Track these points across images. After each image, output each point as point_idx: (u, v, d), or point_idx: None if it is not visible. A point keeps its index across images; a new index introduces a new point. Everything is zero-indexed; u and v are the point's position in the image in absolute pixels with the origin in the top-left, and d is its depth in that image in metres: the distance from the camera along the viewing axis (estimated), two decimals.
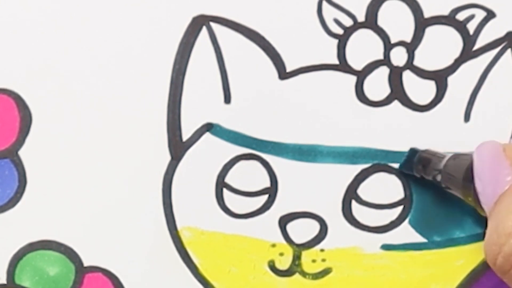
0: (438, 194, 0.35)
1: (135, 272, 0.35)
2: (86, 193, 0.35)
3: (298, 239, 0.35)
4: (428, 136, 0.35)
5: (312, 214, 0.35)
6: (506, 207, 0.25)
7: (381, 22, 0.35)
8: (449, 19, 0.35)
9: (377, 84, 0.35)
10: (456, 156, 0.33)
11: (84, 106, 0.34)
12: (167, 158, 0.35)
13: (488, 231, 0.25)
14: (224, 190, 0.35)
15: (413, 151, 0.35)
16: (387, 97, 0.35)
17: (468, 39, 0.35)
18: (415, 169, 0.34)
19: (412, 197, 0.35)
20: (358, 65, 0.35)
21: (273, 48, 0.35)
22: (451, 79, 0.35)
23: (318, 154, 0.35)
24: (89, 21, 0.34)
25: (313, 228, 0.35)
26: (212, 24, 0.34)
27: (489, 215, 0.26)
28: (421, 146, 0.35)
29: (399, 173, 0.35)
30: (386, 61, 0.35)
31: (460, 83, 0.35)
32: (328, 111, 0.35)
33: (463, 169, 0.31)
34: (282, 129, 0.35)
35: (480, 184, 0.27)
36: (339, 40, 0.35)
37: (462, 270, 0.35)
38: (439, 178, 0.33)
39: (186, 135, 0.35)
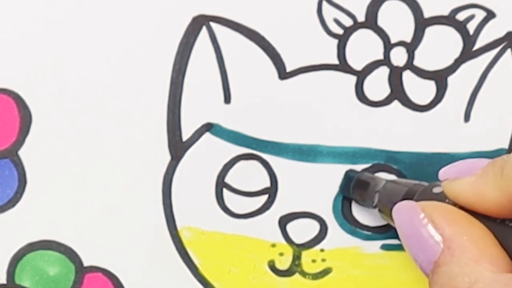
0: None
1: (135, 272, 0.35)
2: (86, 193, 0.35)
3: (298, 239, 0.35)
4: (428, 136, 0.35)
5: (312, 214, 0.35)
6: (445, 279, 0.24)
7: (381, 22, 0.35)
8: (449, 19, 0.35)
9: (377, 84, 0.35)
10: (390, 184, 0.32)
11: (84, 106, 0.34)
12: (167, 158, 0.35)
13: None
14: (224, 190, 0.35)
15: (351, 173, 0.35)
16: (387, 97, 0.35)
17: (468, 39, 0.35)
18: (352, 192, 0.34)
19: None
20: (358, 65, 0.35)
21: (273, 48, 0.35)
22: (451, 79, 0.35)
23: (318, 154, 0.35)
24: (89, 21, 0.34)
25: (313, 228, 0.35)
26: (212, 24, 0.34)
27: (429, 283, 0.25)
28: (421, 146, 0.35)
29: (399, 173, 0.35)
30: (386, 61, 0.35)
31: (460, 83, 0.35)
32: (328, 111, 0.35)
33: (401, 194, 0.30)
34: (282, 129, 0.35)
35: (408, 250, 0.26)
36: (339, 40, 0.35)
37: None
38: (375, 203, 0.33)
39: (186, 135, 0.35)
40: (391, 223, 0.32)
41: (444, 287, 0.24)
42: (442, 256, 0.24)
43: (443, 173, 0.28)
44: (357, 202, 0.35)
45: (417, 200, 0.28)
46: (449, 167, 0.28)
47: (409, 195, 0.30)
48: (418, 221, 0.25)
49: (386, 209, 0.32)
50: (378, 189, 0.33)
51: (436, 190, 0.28)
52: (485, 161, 0.26)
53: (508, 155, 0.25)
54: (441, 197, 0.27)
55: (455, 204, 0.26)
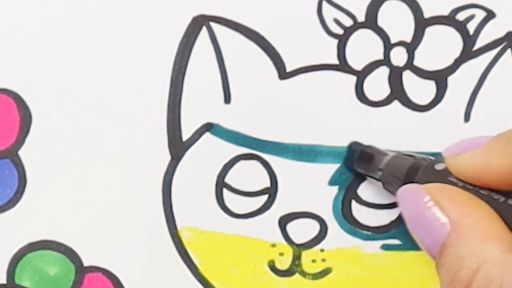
0: None
1: (135, 272, 0.35)
2: (86, 193, 0.35)
3: (298, 239, 0.35)
4: (428, 136, 0.35)
5: (312, 214, 0.35)
6: (453, 260, 0.24)
7: (381, 22, 0.35)
8: (449, 19, 0.35)
9: (377, 84, 0.35)
10: (398, 156, 0.32)
11: (84, 106, 0.34)
12: (167, 158, 0.35)
13: (440, 283, 0.24)
14: (224, 190, 0.35)
15: (355, 146, 0.34)
16: (387, 97, 0.35)
17: (468, 39, 0.35)
18: (356, 164, 0.34)
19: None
20: (358, 65, 0.35)
21: (273, 48, 0.35)
22: (451, 79, 0.35)
23: (318, 154, 0.35)
24: (89, 21, 0.34)
25: (313, 228, 0.35)
26: (212, 24, 0.34)
27: (437, 265, 0.25)
28: (421, 146, 0.35)
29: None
30: (386, 61, 0.35)
31: (460, 83, 0.35)
32: (328, 111, 0.35)
33: (404, 170, 0.30)
34: (282, 129, 0.35)
35: (415, 235, 0.26)
36: (339, 40, 0.35)
37: None
38: (379, 175, 0.33)
39: (186, 135, 0.35)
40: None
41: (452, 269, 0.24)
42: (449, 238, 0.24)
43: (446, 150, 0.28)
44: (361, 174, 0.35)
45: (420, 178, 0.28)
46: (453, 145, 0.28)
47: (412, 171, 0.30)
48: (423, 204, 0.25)
49: (390, 184, 0.32)
50: (381, 165, 0.33)
51: (438, 167, 0.28)
52: (489, 137, 0.26)
53: None
54: (444, 174, 0.27)
55: (458, 181, 0.26)
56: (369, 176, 0.34)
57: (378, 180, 0.33)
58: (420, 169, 0.29)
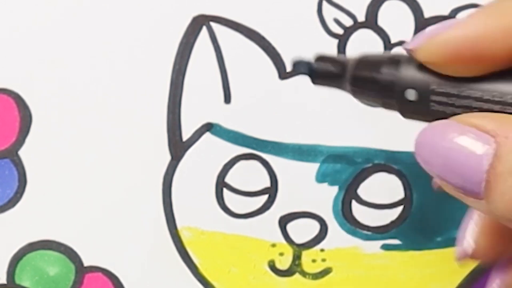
0: (438, 194, 0.35)
1: (135, 272, 0.35)
2: (86, 193, 0.35)
3: (298, 239, 0.35)
4: None
5: (312, 214, 0.35)
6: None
7: (381, 22, 0.35)
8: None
9: None
10: (367, 55, 0.26)
11: (84, 106, 0.34)
12: (167, 158, 0.35)
13: (502, 196, 0.20)
14: (224, 190, 0.35)
15: (299, 63, 0.28)
16: None
17: None
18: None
19: (412, 197, 0.35)
20: None
21: (273, 48, 0.35)
22: None
23: (318, 154, 0.35)
24: (89, 21, 0.34)
25: (313, 228, 0.35)
26: (212, 24, 0.34)
27: (489, 190, 0.20)
28: None
29: (399, 173, 0.35)
30: None
31: None
32: (328, 111, 0.35)
33: (378, 70, 0.25)
34: (282, 129, 0.35)
35: (451, 180, 0.22)
36: (339, 40, 0.35)
37: (462, 270, 0.35)
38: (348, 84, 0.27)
39: (186, 135, 0.35)
40: (368, 104, 0.27)
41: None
42: (499, 150, 0.20)
43: (411, 42, 0.22)
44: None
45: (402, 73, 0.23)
46: (418, 34, 0.22)
47: (392, 63, 0.24)
48: (458, 131, 0.21)
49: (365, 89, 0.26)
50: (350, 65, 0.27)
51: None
52: (456, 18, 0.22)
53: None
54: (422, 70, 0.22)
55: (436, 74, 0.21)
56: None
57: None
58: (401, 61, 0.24)
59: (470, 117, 0.21)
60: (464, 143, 0.21)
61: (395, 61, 0.24)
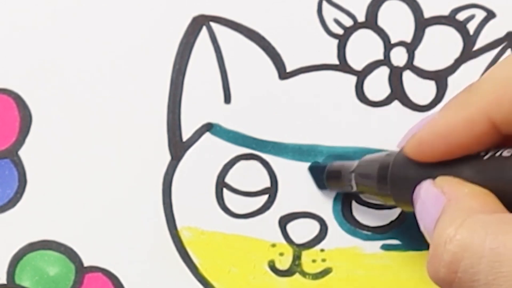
0: None
1: (135, 272, 0.35)
2: (86, 193, 0.35)
3: (298, 239, 0.35)
4: None
5: (312, 214, 0.35)
6: (440, 223, 0.24)
7: (381, 22, 0.35)
8: (449, 19, 0.35)
9: (377, 84, 0.35)
10: (364, 160, 0.32)
11: (84, 106, 0.34)
12: (167, 158, 0.35)
13: (428, 254, 0.25)
14: (224, 190, 0.35)
15: (317, 167, 0.35)
16: (387, 97, 0.35)
17: (468, 39, 0.35)
18: (328, 185, 0.34)
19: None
20: (358, 65, 0.35)
21: (273, 48, 0.35)
22: (451, 79, 0.35)
23: (318, 154, 0.35)
24: (89, 21, 0.34)
25: (313, 228, 0.35)
26: (212, 24, 0.34)
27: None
28: None
29: None
30: (386, 61, 0.35)
31: (460, 83, 0.35)
32: (328, 111, 0.35)
33: (375, 169, 0.30)
34: (282, 129, 0.35)
35: (420, 221, 0.26)
36: (339, 40, 0.35)
37: None
38: (353, 187, 0.32)
39: (186, 135, 0.35)
40: (371, 199, 0.33)
41: (438, 231, 0.23)
42: (443, 209, 0.24)
43: (400, 142, 0.28)
44: (334, 189, 0.35)
45: (392, 171, 0.29)
46: (405, 134, 0.28)
47: (382, 169, 0.29)
48: (433, 192, 0.25)
49: (366, 188, 0.32)
50: (351, 173, 0.32)
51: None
52: (434, 113, 0.26)
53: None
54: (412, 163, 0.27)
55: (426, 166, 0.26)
56: (342, 191, 0.34)
57: (353, 192, 0.33)
58: (390, 164, 0.29)
59: (440, 180, 0.26)
60: (431, 200, 0.25)
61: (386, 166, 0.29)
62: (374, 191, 0.30)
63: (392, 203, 0.30)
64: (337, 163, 0.34)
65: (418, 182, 0.27)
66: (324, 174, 0.34)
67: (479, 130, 0.24)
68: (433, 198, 0.25)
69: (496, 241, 0.21)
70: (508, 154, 0.24)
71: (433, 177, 0.26)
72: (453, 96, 0.26)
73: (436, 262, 0.23)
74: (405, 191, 0.27)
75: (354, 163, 0.32)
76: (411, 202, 0.27)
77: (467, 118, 0.25)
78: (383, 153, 0.31)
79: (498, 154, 0.24)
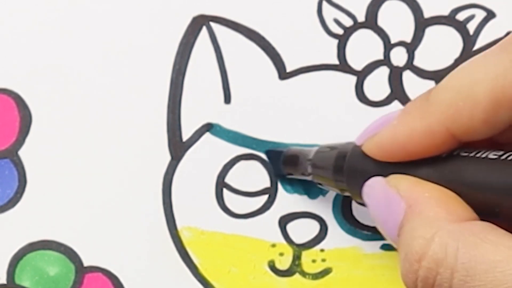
0: None
1: (135, 272, 0.35)
2: (86, 193, 0.35)
3: (298, 239, 0.35)
4: None
5: (312, 214, 0.35)
6: (408, 234, 0.24)
7: (381, 22, 0.35)
8: (449, 19, 0.35)
9: (377, 84, 0.35)
10: (322, 149, 0.32)
11: (84, 106, 0.34)
12: (167, 158, 0.35)
13: (399, 263, 0.24)
14: (224, 190, 0.35)
15: (275, 152, 0.35)
16: (387, 97, 0.35)
17: (468, 39, 0.35)
18: (284, 169, 0.34)
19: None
20: (358, 65, 0.35)
21: (273, 48, 0.35)
22: None
23: None
24: (89, 21, 0.34)
25: (313, 228, 0.35)
26: (212, 24, 0.34)
27: (396, 246, 0.25)
28: None
29: None
30: (386, 61, 0.35)
31: None
32: (328, 111, 0.35)
33: (332, 160, 0.30)
34: (282, 129, 0.35)
35: (378, 219, 0.26)
36: (339, 40, 0.35)
37: None
38: (309, 174, 0.32)
39: (186, 135, 0.35)
40: (328, 189, 0.33)
41: (408, 243, 0.24)
42: (405, 216, 0.24)
43: (359, 138, 0.28)
44: (289, 175, 0.34)
45: (348, 163, 0.29)
46: (364, 130, 0.28)
47: (339, 160, 0.29)
48: (385, 190, 0.26)
49: (323, 178, 0.31)
50: (308, 161, 0.32)
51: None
52: (396, 111, 0.26)
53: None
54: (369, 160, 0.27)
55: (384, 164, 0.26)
56: (299, 177, 0.34)
57: (308, 178, 0.33)
58: (347, 157, 0.29)
59: (398, 179, 0.26)
60: (387, 200, 0.25)
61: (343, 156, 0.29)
62: (331, 182, 0.30)
63: (348, 194, 0.30)
64: (295, 149, 0.34)
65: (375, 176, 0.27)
66: (281, 159, 0.34)
67: (438, 139, 0.25)
68: (389, 200, 0.25)
69: (467, 255, 0.22)
70: (465, 154, 0.24)
71: (388, 174, 0.26)
72: (412, 100, 0.26)
73: (412, 277, 0.23)
74: (361, 184, 0.27)
75: (312, 150, 0.32)
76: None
77: (426, 128, 0.25)
78: (341, 143, 0.30)
79: (455, 153, 0.24)
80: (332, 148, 0.30)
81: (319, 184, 0.32)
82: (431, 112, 0.25)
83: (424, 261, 0.23)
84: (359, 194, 0.28)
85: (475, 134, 0.24)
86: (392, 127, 0.26)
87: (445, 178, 0.24)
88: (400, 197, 0.25)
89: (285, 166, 0.34)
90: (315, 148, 0.32)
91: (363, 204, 0.27)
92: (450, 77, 0.25)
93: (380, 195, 0.26)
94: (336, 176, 0.30)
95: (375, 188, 0.26)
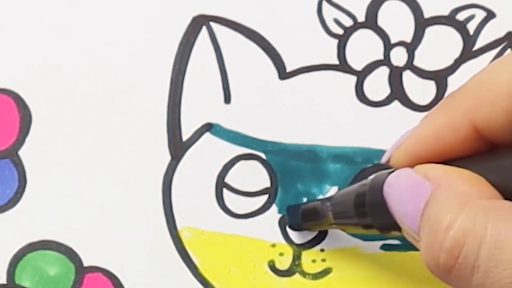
0: None
1: (135, 272, 0.35)
2: (86, 193, 0.35)
3: (298, 239, 0.35)
4: None
5: None
6: (435, 207, 0.23)
7: (381, 22, 0.35)
8: (449, 19, 0.35)
9: (377, 84, 0.35)
10: (338, 193, 0.32)
11: (84, 106, 0.34)
12: (167, 158, 0.35)
13: (423, 240, 0.24)
14: (224, 190, 0.35)
15: (293, 208, 0.34)
16: (387, 97, 0.35)
17: (468, 39, 0.35)
18: (303, 224, 0.34)
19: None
20: (358, 65, 0.35)
21: (273, 48, 0.35)
22: (451, 79, 0.35)
23: (318, 154, 0.35)
24: (89, 21, 0.34)
25: None
26: (212, 24, 0.34)
27: (419, 229, 0.24)
28: None
29: None
30: (386, 61, 0.35)
31: (460, 83, 0.35)
32: (328, 111, 0.35)
33: (352, 198, 0.29)
34: (282, 129, 0.35)
35: (399, 211, 0.25)
36: (339, 40, 0.35)
37: None
38: (331, 224, 0.32)
39: (186, 135, 0.35)
40: (351, 232, 0.33)
41: (435, 216, 0.23)
42: (432, 195, 0.24)
43: (384, 156, 0.28)
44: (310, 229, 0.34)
45: (369, 197, 0.28)
46: (388, 150, 0.28)
47: (359, 198, 0.29)
48: (412, 176, 0.25)
49: (344, 220, 0.31)
50: (329, 208, 0.32)
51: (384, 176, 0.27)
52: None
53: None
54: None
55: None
56: (318, 229, 0.34)
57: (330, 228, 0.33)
58: (366, 191, 0.28)
59: (421, 166, 0.25)
60: (412, 187, 0.25)
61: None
62: (352, 221, 0.30)
63: (373, 232, 0.29)
64: (312, 203, 0.34)
65: None
66: (299, 214, 0.34)
67: (462, 135, 0.24)
68: (415, 184, 0.24)
69: (497, 228, 0.21)
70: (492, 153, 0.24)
71: None
72: (435, 107, 0.26)
73: (435, 248, 0.23)
74: (385, 214, 0.26)
75: (326, 201, 0.32)
76: (394, 225, 0.26)
77: (450, 123, 0.25)
78: (356, 184, 0.30)
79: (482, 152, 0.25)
80: (349, 190, 0.30)
81: (342, 230, 0.33)
82: (455, 106, 0.25)
83: (452, 231, 0.22)
84: (384, 225, 0.27)
85: (497, 128, 0.24)
86: (416, 130, 0.26)
87: (473, 169, 0.24)
88: (427, 180, 0.24)
89: (305, 221, 0.34)
90: (331, 196, 0.32)
91: (389, 236, 0.27)
92: (475, 76, 0.25)
93: (405, 182, 0.25)
94: (358, 210, 0.29)
95: (401, 176, 0.26)
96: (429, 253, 0.23)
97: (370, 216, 0.28)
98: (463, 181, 0.23)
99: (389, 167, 0.28)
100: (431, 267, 0.23)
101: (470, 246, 0.22)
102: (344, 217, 0.31)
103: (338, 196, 0.31)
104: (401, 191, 0.25)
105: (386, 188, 0.26)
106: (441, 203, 0.23)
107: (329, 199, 0.32)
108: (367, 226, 0.29)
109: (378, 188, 0.27)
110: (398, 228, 0.26)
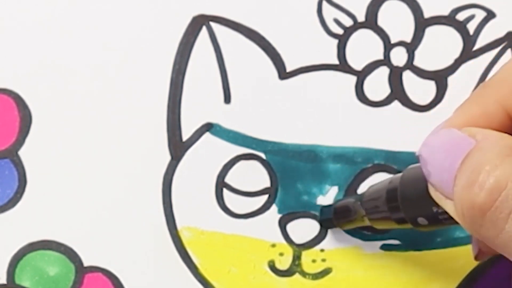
0: None
1: (135, 272, 0.35)
2: (86, 193, 0.35)
3: (298, 239, 0.35)
4: None
5: (312, 214, 0.35)
6: (481, 154, 0.22)
7: (381, 22, 0.35)
8: (449, 19, 0.35)
9: (377, 84, 0.35)
10: (369, 190, 0.32)
11: (84, 106, 0.34)
12: (167, 158, 0.35)
13: (459, 184, 0.23)
14: (224, 190, 0.35)
15: (325, 209, 0.35)
16: (387, 97, 0.35)
17: (468, 39, 0.35)
18: (337, 223, 0.34)
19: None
20: (358, 65, 0.35)
21: (273, 48, 0.35)
22: (451, 79, 0.35)
23: (318, 154, 0.35)
24: (89, 21, 0.34)
25: (313, 228, 0.35)
26: (212, 24, 0.34)
27: (455, 177, 0.23)
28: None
29: (399, 173, 0.35)
30: (386, 61, 0.35)
31: (460, 83, 0.35)
32: (328, 111, 0.35)
33: (384, 191, 0.30)
34: (282, 129, 0.35)
35: (436, 170, 0.24)
36: (339, 40, 0.35)
37: (462, 270, 0.35)
38: (362, 217, 0.32)
39: (186, 135, 0.35)
40: (382, 227, 0.32)
41: (477, 161, 0.22)
42: (475, 146, 0.23)
43: (419, 150, 0.27)
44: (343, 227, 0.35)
45: (400, 190, 0.28)
46: (423, 143, 0.27)
47: (391, 193, 0.30)
48: (451, 135, 0.24)
49: (377, 215, 0.31)
50: (360, 207, 0.32)
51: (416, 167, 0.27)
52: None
53: None
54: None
55: None
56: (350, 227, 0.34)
57: (362, 224, 0.33)
58: (398, 183, 0.29)
59: (465, 129, 0.25)
60: (454, 142, 0.24)
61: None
62: (385, 215, 0.30)
63: (406, 227, 0.30)
64: (343, 200, 0.34)
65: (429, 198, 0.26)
66: (331, 213, 0.34)
67: (496, 124, 0.24)
68: (456, 139, 0.24)
69: None
70: None
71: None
72: (467, 97, 0.26)
73: (475, 187, 0.22)
74: (416, 206, 0.27)
75: (357, 200, 0.33)
76: (428, 215, 0.26)
77: (483, 112, 0.24)
78: (386, 181, 0.31)
79: None
80: (380, 186, 0.31)
81: (372, 227, 0.33)
82: (487, 94, 0.24)
83: (496, 171, 0.22)
84: (415, 217, 0.27)
85: None
86: (448, 121, 0.26)
87: None
88: (469, 136, 0.24)
89: (338, 219, 0.34)
90: (357, 198, 0.33)
91: (423, 230, 0.27)
92: (506, 65, 0.25)
93: (445, 139, 0.24)
94: (390, 205, 0.30)
95: (440, 134, 0.25)
96: (466, 193, 0.22)
97: (402, 209, 0.29)
98: (507, 137, 0.23)
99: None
100: (465, 209, 0.23)
101: (511, 191, 0.21)
102: (376, 212, 0.31)
103: (369, 193, 0.32)
104: (440, 147, 0.24)
105: (422, 148, 0.26)
106: (486, 151, 0.22)
107: (361, 196, 0.33)
108: (399, 221, 0.30)
109: (409, 181, 0.27)
110: (431, 217, 0.26)
